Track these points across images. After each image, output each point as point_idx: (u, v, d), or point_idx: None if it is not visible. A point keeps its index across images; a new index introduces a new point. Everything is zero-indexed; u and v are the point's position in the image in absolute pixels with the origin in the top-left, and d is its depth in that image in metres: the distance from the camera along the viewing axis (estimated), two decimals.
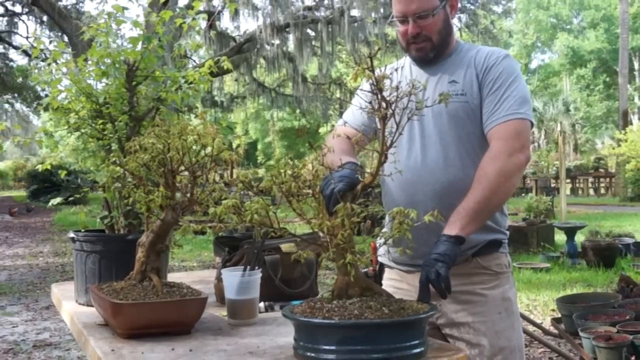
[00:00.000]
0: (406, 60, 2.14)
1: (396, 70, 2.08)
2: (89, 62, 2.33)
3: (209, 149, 1.81)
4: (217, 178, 1.95)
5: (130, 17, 2.40)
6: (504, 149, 1.88)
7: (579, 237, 8.70)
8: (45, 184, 22.96)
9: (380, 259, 2.19)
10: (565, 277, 7.42)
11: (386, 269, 2.16)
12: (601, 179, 24.63)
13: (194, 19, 2.56)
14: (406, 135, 1.98)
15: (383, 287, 2.07)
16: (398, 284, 2.08)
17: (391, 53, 16.96)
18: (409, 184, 1.98)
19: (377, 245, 2.13)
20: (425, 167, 1.98)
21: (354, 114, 2.18)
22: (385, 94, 1.53)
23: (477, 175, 1.87)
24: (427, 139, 1.99)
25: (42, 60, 2.43)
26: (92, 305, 1.99)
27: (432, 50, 2.01)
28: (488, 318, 1.95)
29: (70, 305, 2.19)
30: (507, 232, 2.07)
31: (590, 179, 24.56)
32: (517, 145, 1.89)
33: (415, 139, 2.01)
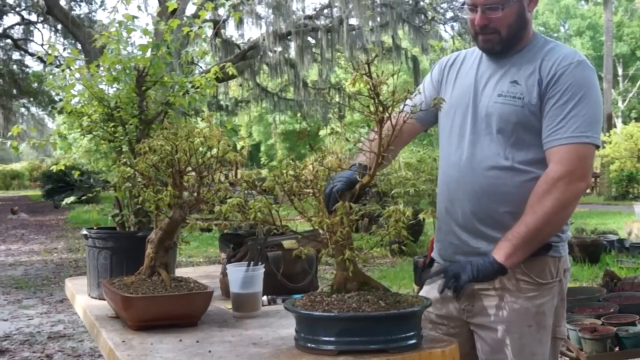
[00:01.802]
0: (476, 49, 1.97)
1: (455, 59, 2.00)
2: (101, 68, 2.33)
3: (214, 151, 1.81)
4: (223, 178, 1.94)
5: (140, 26, 2.41)
6: (564, 177, 1.70)
7: None
8: (59, 183, 22.94)
9: (433, 253, 2.04)
10: None
11: (435, 264, 2.01)
12: None
13: (200, 27, 2.56)
14: (457, 130, 1.88)
15: (428, 280, 1.98)
16: (439, 279, 1.95)
17: (387, 60, 16.96)
18: (452, 181, 1.87)
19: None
20: (469, 165, 1.83)
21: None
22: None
23: (532, 200, 1.71)
24: (476, 136, 1.83)
25: (57, 67, 2.44)
26: (104, 299, 1.99)
27: (499, 43, 1.81)
28: (516, 329, 1.78)
29: (83, 298, 2.19)
30: (563, 235, 1.85)
31: None
32: (578, 173, 1.71)
33: (465, 136, 1.85)
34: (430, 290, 1.88)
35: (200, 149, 1.81)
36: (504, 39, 1.81)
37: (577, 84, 1.74)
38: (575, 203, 1.75)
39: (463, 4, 1.86)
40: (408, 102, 1.52)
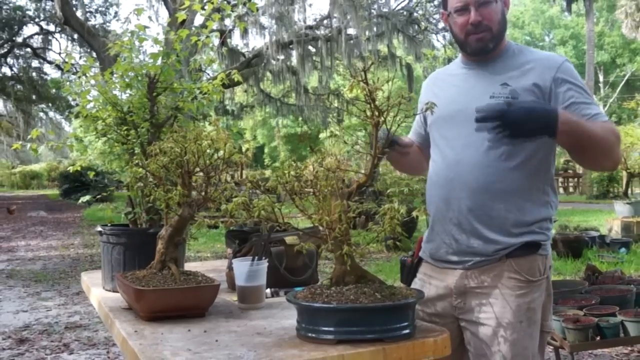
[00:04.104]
0: (455, 63, 1.98)
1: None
2: (115, 75, 2.33)
3: (221, 153, 1.81)
4: (229, 178, 1.94)
5: (151, 35, 2.41)
6: (617, 136, 1.74)
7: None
8: (75, 183, 22.94)
9: (420, 252, 1.99)
10: None
11: (423, 263, 1.97)
12: (570, 179, 24.54)
13: (207, 36, 2.56)
14: (449, 135, 1.86)
15: (416, 278, 1.98)
16: (428, 278, 1.92)
17: (383, 67, 16.96)
18: (448, 180, 1.83)
19: (424, 238, 1.99)
20: (465, 164, 1.79)
21: (412, 133, 2.11)
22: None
23: (602, 126, 1.71)
24: (470, 137, 1.79)
25: (73, 74, 2.44)
26: (117, 291, 1.98)
27: (491, 40, 1.81)
28: (508, 325, 1.76)
29: (98, 291, 2.19)
30: (549, 234, 1.83)
31: (560, 179, 24.45)
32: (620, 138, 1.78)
33: (458, 138, 1.83)
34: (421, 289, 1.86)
35: (208, 151, 1.81)
36: (495, 36, 1.82)
37: (577, 78, 1.80)
38: (614, 160, 1.78)
39: (448, 12, 1.85)
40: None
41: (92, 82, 2.36)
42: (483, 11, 1.79)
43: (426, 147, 2.03)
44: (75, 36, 20.45)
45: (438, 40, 17.95)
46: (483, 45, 1.83)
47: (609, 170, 1.82)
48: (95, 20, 22.78)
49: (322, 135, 27.97)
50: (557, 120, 1.63)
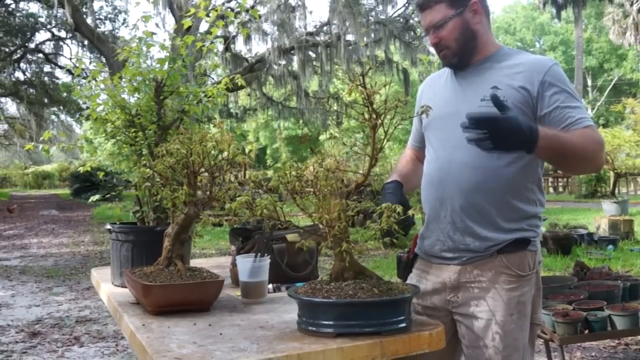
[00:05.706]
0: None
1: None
2: (123, 80, 2.33)
3: (225, 154, 1.81)
4: (232, 178, 1.94)
5: (158, 41, 2.41)
6: (598, 142, 1.71)
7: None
8: (86, 183, 22.97)
9: (416, 249, 1.98)
10: None
11: (418, 259, 1.97)
12: (559, 179, 24.52)
13: (212, 42, 2.57)
14: (443, 137, 1.86)
15: (412, 274, 1.97)
16: (424, 274, 1.92)
17: (380, 72, 16.95)
18: (440, 181, 1.83)
19: (419, 235, 1.97)
20: (456, 165, 1.79)
21: (412, 135, 2.11)
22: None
23: (582, 135, 1.68)
24: (460, 139, 1.71)
25: (84, 78, 2.44)
26: (126, 287, 1.99)
27: (453, 56, 1.83)
28: (500, 318, 1.76)
29: (107, 286, 2.19)
30: (538, 231, 1.83)
31: (550, 179, 24.46)
32: (603, 143, 1.75)
33: (451, 140, 1.82)
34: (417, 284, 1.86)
35: (213, 152, 1.81)
36: (457, 52, 1.82)
37: (565, 81, 1.77)
38: (596, 166, 1.76)
39: (424, 34, 1.89)
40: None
41: (102, 86, 2.36)
42: (438, 33, 1.81)
43: (424, 148, 2.03)
44: (86, 42, 20.41)
45: None
46: (447, 62, 1.86)
47: (592, 173, 1.82)
48: (105, 27, 22.76)
49: (322, 137, 27.94)
50: (537, 138, 1.57)
